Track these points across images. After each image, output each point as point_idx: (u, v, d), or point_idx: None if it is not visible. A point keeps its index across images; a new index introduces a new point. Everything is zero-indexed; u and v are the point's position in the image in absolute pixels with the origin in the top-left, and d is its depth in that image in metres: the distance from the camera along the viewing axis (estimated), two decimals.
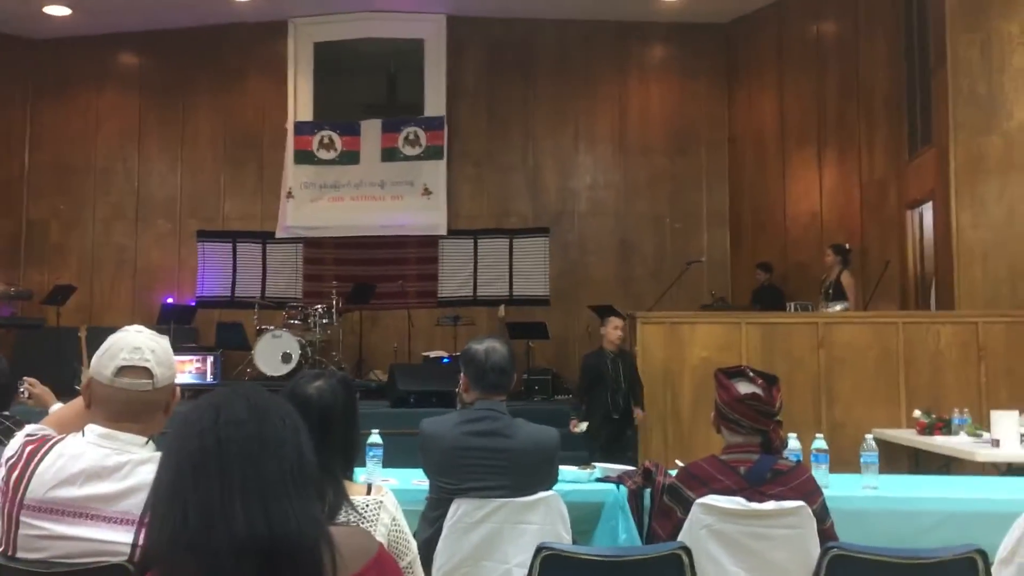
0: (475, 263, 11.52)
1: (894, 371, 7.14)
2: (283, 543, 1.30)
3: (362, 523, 2.06)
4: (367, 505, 2.09)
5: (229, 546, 1.26)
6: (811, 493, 2.91)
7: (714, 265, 11.19)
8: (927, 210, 8.51)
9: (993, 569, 2.74)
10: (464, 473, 2.99)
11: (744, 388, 3.02)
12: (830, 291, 8.50)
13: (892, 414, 7.06)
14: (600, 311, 10.31)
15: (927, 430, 6.26)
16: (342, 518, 2.03)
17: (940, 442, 6.01)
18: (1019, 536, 2.65)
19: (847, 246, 8.94)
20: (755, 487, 2.90)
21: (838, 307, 7.92)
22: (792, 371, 7.22)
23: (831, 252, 8.81)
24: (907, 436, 6.53)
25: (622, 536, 3.30)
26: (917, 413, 6.48)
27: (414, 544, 2.23)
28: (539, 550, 2.12)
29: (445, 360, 10.23)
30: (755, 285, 10.25)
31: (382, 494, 2.13)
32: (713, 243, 11.41)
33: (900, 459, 6.67)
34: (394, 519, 2.14)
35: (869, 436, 3.58)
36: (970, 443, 5.71)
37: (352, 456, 2.16)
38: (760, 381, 3.04)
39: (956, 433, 6.05)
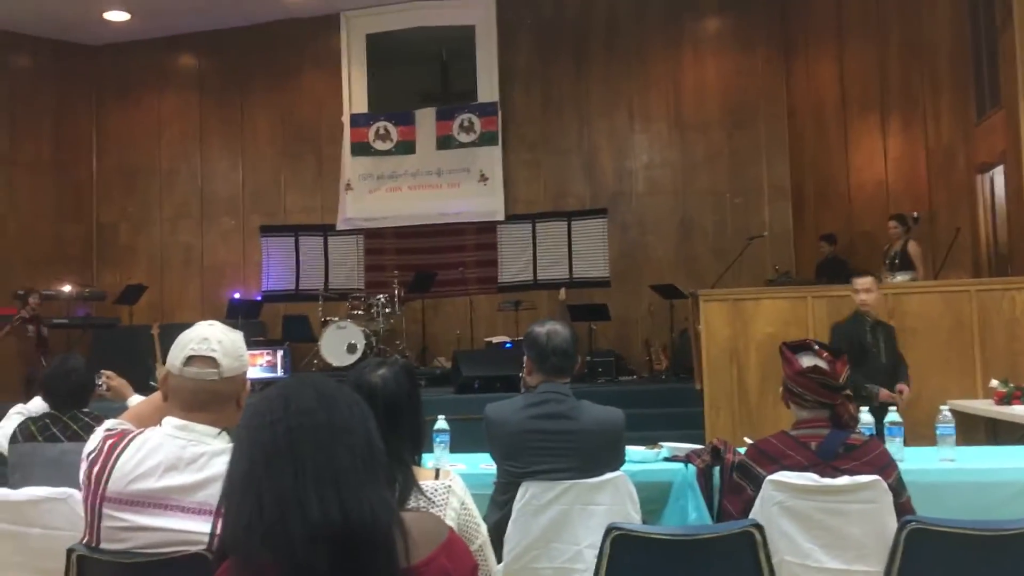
0: (534, 247, 11.52)
1: (968, 340, 6.94)
2: (357, 529, 1.31)
3: (431, 508, 2.07)
4: (436, 490, 2.10)
5: (304, 533, 1.28)
6: (885, 467, 2.85)
7: (776, 239, 11.01)
8: (998, 174, 8.23)
9: None
10: (530, 456, 3.00)
11: (807, 361, 2.97)
12: (896, 261, 8.33)
13: (967, 385, 6.87)
14: (662, 290, 10.28)
15: (1005, 399, 6.07)
16: (412, 504, 2.04)
17: (1019, 411, 5.83)
18: None
19: (915, 215, 8.70)
20: (827, 462, 2.85)
21: (905, 277, 7.72)
22: None
23: (894, 222, 8.67)
24: (984, 407, 6.35)
25: (692, 515, 3.28)
26: (994, 383, 6.29)
27: (484, 527, 2.24)
28: (609, 530, 2.11)
29: (508, 345, 10.27)
30: (819, 258, 10.06)
31: (450, 479, 2.15)
32: (775, 217, 11.22)
33: (977, 430, 6.48)
34: (463, 503, 2.15)
35: (945, 407, 3.49)
36: None
37: (419, 442, 2.17)
38: (825, 354, 2.99)
39: None
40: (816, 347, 3.04)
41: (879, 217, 10.00)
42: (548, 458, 2.99)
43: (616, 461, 3.09)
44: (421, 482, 2.10)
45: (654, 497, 3.38)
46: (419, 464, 2.19)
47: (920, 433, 6.53)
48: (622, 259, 11.37)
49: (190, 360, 2.00)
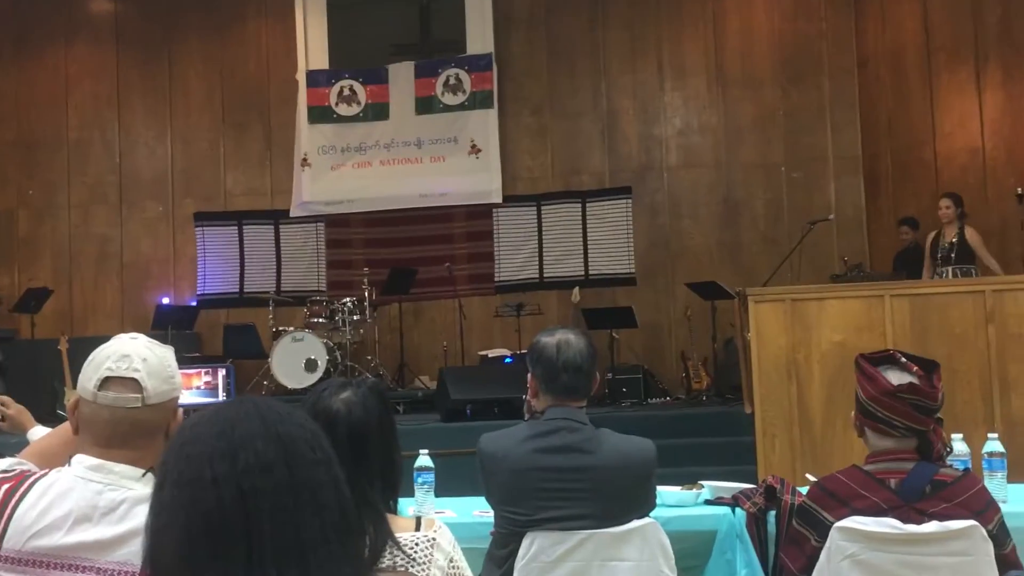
0: (540, 236, 11.55)
1: None
2: None
3: (411, 567, 2.07)
4: (417, 544, 2.11)
5: None
6: (984, 510, 2.86)
7: (845, 224, 11.03)
8: None
9: None
10: (537, 500, 3.01)
11: (896, 378, 2.97)
12: (952, 254, 8.48)
13: None
14: (702, 289, 10.30)
15: None
16: (387, 561, 2.05)
17: None
18: None
19: (1020, 191, 8.70)
20: (911, 504, 2.86)
21: (962, 272, 7.83)
22: (953, 354, 7.07)
23: (947, 201, 8.85)
24: None
25: (742, 572, 3.30)
26: None
27: None
28: None
29: (508, 360, 10.28)
30: (899, 246, 10.08)
31: (434, 529, 2.15)
32: (843, 196, 11.24)
33: None
34: (451, 560, 2.16)
35: None
36: None
37: (395, 483, 2.18)
38: (916, 368, 3.00)
39: None
40: (903, 359, 3.04)
41: (975, 193, 10.01)
42: (559, 502, 3.01)
43: (645, 505, 3.11)
44: (399, 534, 2.10)
45: (694, 550, 3.39)
46: (395, 511, 2.19)
47: None
48: (651, 250, 11.39)
49: (106, 383, 2.00)
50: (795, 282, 9.10)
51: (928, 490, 2.86)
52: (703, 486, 3.66)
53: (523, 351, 10.07)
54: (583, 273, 11.44)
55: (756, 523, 3.36)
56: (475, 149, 11.50)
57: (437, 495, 3.82)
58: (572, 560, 2.99)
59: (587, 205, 11.51)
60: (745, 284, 8.59)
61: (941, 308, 7.18)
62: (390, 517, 2.14)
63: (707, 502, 3.59)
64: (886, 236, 10.69)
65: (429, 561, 2.13)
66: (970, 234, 8.63)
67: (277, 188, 11.91)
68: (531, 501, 3.02)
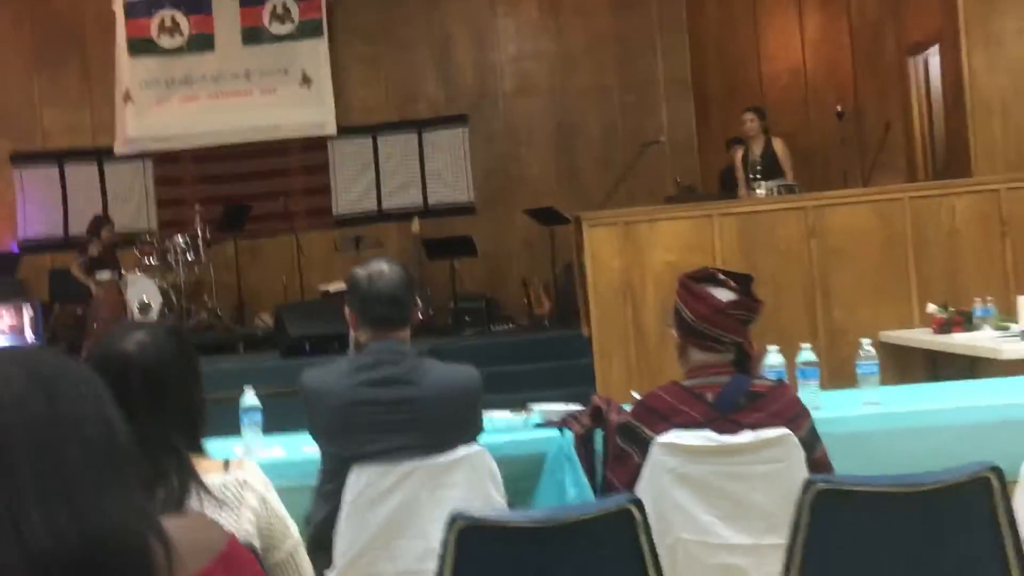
0: (377, 168, 11.39)
1: (902, 259, 7.26)
2: (101, 548, 1.24)
3: (221, 510, 2.02)
4: (226, 486, 2.06)
5: (27, 564, 1.20)
6: (796, 417, 2.96)
7: (678, 146, 11.19)
8: (933, 55, 8.58)
9: (1017, 490, 2.83)
10: (362, 434, 2.98)
11: (722, 295, 3.03)
12: (758, 168, 8.44)
13: (903, 312, 7.21)
14: (540, 215, 10.35)
15: (944, 328, 6.41)
16: (195, 505, 1.99)
17: (960, 340, 6.17)
18: None
19: (839, 110, 8.98)
20: (727, 416, 2.93)
21: (772, 186, 7.95)
22: (779, 269, 7.32)
23: (751, 115, 8.82)
24: (922, 337, 6.70)
25: (571, 491, 3.33)
26: (931, 308, 6.63)
27: (294, 527, 2.21)
28: (453, 520, 2.10)
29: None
30: (724, 167, 10.30)
31: (244, 470, 2.10)
32: (675, 118, 11.40)
33: (915, 365, 6.84)
34: (264, 500, 2.12)
35: (866, 341, 3.64)
36: (995, 338, 5.87)
37: (198, 424, 2.11)
38: (734, 284, 3.06)
39: (979, 328, 6.21)
40: (720, 276, 3.11)
41: (797, 113, 10.31)
42: (384, 435, 2.98)
43: (471, 432, 3.11)
44: (206, 477, 2.04)
45: (524, 473, 3.41)
46: (202, 452, 2.12)
47: (849, 372, 6.85)
48: (489, 179, 11.37)
49: None
50: (632, 205, 9.22)
51: (743, 401, 2.95)
52: (532, 410, 3.68)
53: None
54: (422, 204, 11.35)
55: (584, 444, 3.40)
56: (306, 80, 11.21)
57: (270, 433, 3.75)
58: (400, 491, 2.97)
59: (424, 135, 11.39)
60: (583, 209, 8.67)
61: (766, 225, 7.39)
62: (197, 460, 2.07)
63: (537, 426, 3.61)
64: (717, 157, 10.90)
65: (240, 502, 2.08)
66: (777, 146, 8.59)
67: (99, 125, 11.37)
68: (356, 435, 2.98)
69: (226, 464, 2.11)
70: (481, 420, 3.18)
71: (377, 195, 11.40)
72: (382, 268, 3.08)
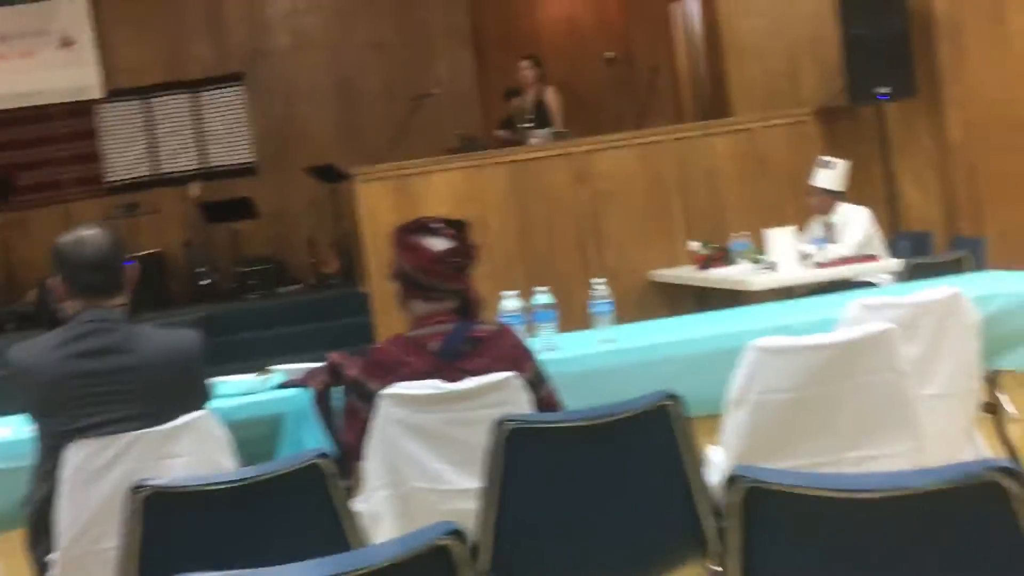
0: (151, 131, 10.96)
1: (668, 200, 7.49)
2: None
3: None
4: None
5: None
6: (520, 359, 3.00)
7: (459, 98, 11.17)
8: (692, 1, 8.84)
9: (728, 411, 2.96)
10: (76, 408, 2.86)
11: (437, 244, 3.04)
12: (530, 117, 8.46)
13: (671, 251, 7.44)
14: (321, 173, 10.19)
15: (706, 264, 6.66)
16: None
17: (718, 275, 6.43)
18: (748, 373, 2.87)
19: (610, 54, 9.12)
20: (451, 363, 2.95)
21: (545, 134, 8.08)
22: (552, 215, 7.44)
23: (527, 63, 8.89)
24: (686, 274, 6.94)
25: None
26: (694, 245, 6.87)
27: None
28: (136, 489, 2.04)
29: (126, 264, 9.77)
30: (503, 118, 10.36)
31: None
32: (455, 70, 11.38)
33: (685, 302, 7.09)
34: None
35: (598, 281, 3.72)
36: (748, 271, 6.13)
37: None
38: (449, 231, 3.08)
39: (736, 262, 6.47)
40: (434, 225, 3.11)
41: (574, 62, 10.44)
42: (100, 407, 2.87)
43: (196, 399, 3.02)
44: None
45: (264, 435, 3.36)
46: None
47: (625, 312, 7.03)
48: (269, 139, 11.10)
49: None
50: (414, 160, 9.17)
51: (466, 348, 2.97)
52: (273, 371, 3.62)
53: (143, 252, 9.64)
54: (201, 166, 11.00)
55: (323, 400, 3.36)
56: (67, 42, 10.66)
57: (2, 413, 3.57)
58: (122, 464, 2.86)
59: (198, 95, 11.02)
60: (369, 164, 8.57)
61: (537, 173, 7.47)
62: None
63: (278, 387, 3.55)
64: (498, 108, 10.96)
65: None
66: (549, 94, 8.67)
67: None
68: (71, 410, 2.86)
69: None
70: (206, 385, 3.10)
71: (152, 159, 10.98)
72: (88, 234, 2.97)
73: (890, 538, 1.47)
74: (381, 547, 1.34)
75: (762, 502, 1.46)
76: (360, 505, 3.06)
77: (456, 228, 3.05)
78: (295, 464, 2.01)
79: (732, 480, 1.44)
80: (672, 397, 2.25)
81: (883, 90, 7.44)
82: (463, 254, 3.03)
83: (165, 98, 10.98)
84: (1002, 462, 1.39)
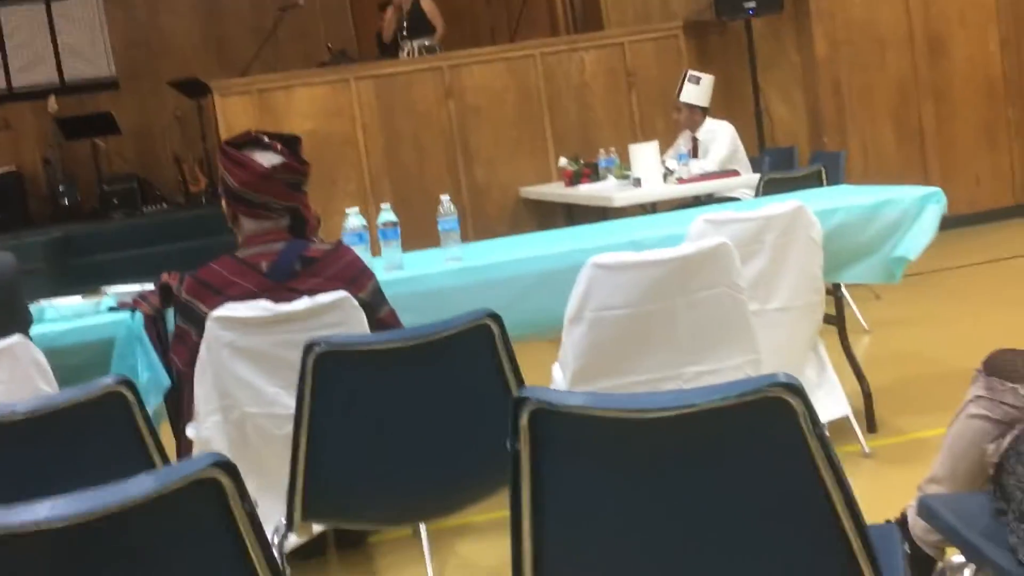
0: (2, 43, 10.39)
1: (537, 115, 7.42)
2: None
3: None
4: None
5: None
6: (356, 278, 2.91)
7: (331, 10, 10.87)
8: None
9: (564, 328, 2.93)
10: None
11: (266, 159, 2.92)
12: (404, 25, 8.11)
13: (541, 167, 7.41)
14: (186, 87, 9.82)
15: (574, 180, 6.63)
16: None
17: (585, 191, 6.40)
18: (584, 290, 2.84)
19: None
20: (283, 283, 2.85)
21: (425, 42, 7.89)
22: (419, 130, 7.33)
23: None
24: (554, 191, 6.90)
25: (144, 375, 3.18)
26: (563, 162, 6.83)
27: None
28: None
29: None
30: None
31: None
32: None
33: (556, 219, 7.06)
34: None
35: (445, 198, 3.63)
36: (614, 187, 6.11)
37: None
38: (280, 146, 2.95)
39: (604, 178, 6.45)
40: (265, 139, 2.98)
41: None
42: None
43: (13, 322, 2.86)
44: None
45: (94, 360, 3.22)
46: None
47: (492, 228, 6.99)
48: (130, 50, 10.62)
49: None
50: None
51: (299, 267, 2.87)
52: (105, 293, 3.47)
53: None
54: (58, 81, 10.49)
55: (154, 324, 3.23)
56: None
57: None
58: None
59: (52, 5, 10.46)
60: (227, 79, 8.27)
61: (404, 87, 7.32)
62: None
63: (110, 309, 3.40)
64: (374, 20, 10.68)
65: None
66: (424, 2, 8.47)
67: None
68: None
69: None
70: (24, 308, 2.95)
71: (5, 74, 10.43)
72: None
73: (678, 456, 1.44)
74: (141, 479, 1.24)
75: (549, 424, 1.42)
76: (191, 431, 2.97)
77: (288, 143, 2.92)
78: (93, 392, 1.90)
79: (518, 402, 1.38)
80: (492, 316, 2.18)
81: (750, 4, 7.43)
82: (294, 170, 2.90)
83: (16, 8, 10.40)
84: (785, 377, 1.36)
